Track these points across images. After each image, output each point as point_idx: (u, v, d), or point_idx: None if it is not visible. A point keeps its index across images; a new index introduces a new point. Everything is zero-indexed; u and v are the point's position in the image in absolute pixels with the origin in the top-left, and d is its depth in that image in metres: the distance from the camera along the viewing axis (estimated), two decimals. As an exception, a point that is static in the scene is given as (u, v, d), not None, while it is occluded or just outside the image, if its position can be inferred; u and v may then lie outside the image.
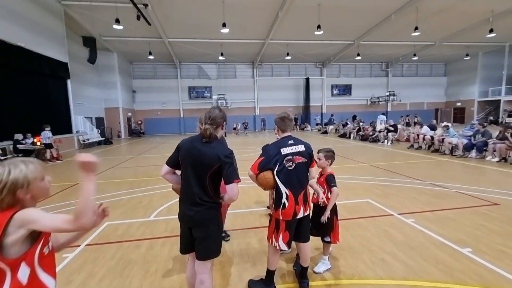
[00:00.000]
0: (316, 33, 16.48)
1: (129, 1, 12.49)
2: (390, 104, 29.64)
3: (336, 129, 21.67)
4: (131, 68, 26.06)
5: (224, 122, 2.09)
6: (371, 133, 14.81)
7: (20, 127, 10.76)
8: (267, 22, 17.47)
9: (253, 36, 20.00)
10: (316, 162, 2.57)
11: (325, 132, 22.21)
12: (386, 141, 13.52)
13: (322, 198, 2.55)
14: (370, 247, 3.16)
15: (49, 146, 10.83)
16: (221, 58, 22.26)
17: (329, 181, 2.59)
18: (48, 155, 10.90)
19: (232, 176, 1.87)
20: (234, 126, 24.10)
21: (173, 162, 2.03)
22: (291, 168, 2.22)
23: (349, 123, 19.95)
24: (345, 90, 29.97)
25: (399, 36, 20.66)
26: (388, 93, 28.43)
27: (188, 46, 21.21)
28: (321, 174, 2.73)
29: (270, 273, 2.39)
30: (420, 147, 11.23)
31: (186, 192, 1.95)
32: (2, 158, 9.89)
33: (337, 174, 2.79)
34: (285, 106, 28.62)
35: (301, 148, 2.30)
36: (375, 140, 14.23)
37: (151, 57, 22.09)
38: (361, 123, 17.10)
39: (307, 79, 28.28)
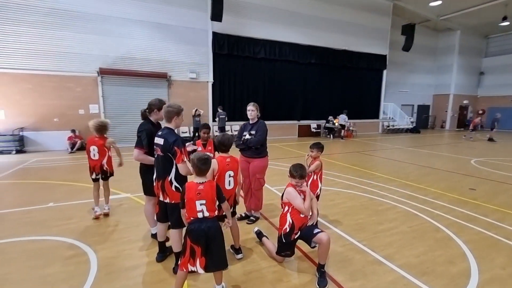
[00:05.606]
0: None
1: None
2: None
3: None
4: (484, 44, 20.76)
5: (156, 109, 2.90)
6: None
7: (334, 110, 14.41)
8: None
9: None
10: (181, 159, 2.26)
11: None
12: None
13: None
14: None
15: (343, 126, 13.84)
16: None
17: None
18: (343, 133, 14.01)
19: (136, 144, 2.82)
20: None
21: None
22: (155, 156, 2.49)
23: None
24: None
25: None
26: None
27: None
28: None
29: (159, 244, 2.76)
30: None
31: None
32: (315, 130, 14.85)
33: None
34: None
35: (160, 141, 2.34)
36: None
37: (505, 23, 16.11)
38: None
39: None
